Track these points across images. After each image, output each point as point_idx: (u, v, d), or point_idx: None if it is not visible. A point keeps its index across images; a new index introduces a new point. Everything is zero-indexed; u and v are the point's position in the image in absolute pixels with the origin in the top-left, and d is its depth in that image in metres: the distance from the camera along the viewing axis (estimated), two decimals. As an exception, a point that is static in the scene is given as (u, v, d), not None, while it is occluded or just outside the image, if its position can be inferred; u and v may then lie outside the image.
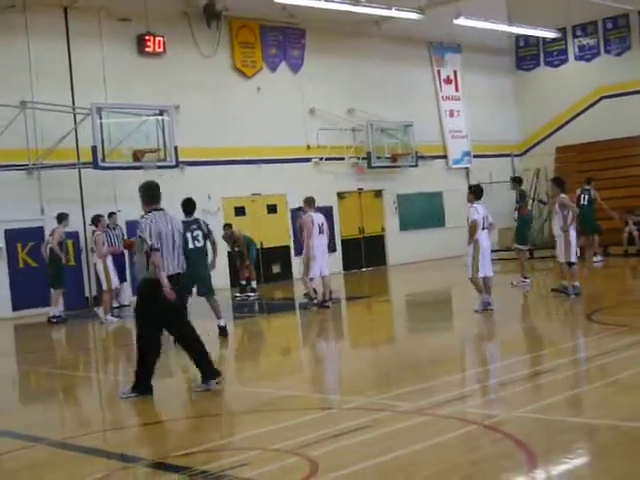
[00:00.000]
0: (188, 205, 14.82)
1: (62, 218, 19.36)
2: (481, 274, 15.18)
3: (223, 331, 14.73)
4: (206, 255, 14.72)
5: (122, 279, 21.29)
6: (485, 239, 15.21)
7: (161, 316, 9.99)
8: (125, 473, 7.26)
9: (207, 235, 14.54)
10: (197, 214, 23.53)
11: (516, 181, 21.18)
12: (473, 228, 15.02)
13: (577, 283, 16.29)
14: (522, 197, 20.73)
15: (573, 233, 16.35)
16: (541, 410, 8.08)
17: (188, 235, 14.15)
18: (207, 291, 14.74)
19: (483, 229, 15.11)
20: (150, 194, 10.40)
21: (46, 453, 8.11)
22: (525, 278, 19.25)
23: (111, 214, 21.49)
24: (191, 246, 14.22)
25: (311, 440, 7.44)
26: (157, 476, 6.88)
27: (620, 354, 10.67)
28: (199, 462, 7.10)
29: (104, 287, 18.93)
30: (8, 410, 10.73)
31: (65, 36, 22.55)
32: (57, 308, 19.38)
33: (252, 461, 7.09)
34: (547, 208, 21.34)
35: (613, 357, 10.55)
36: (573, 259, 16.31)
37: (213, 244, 14.82)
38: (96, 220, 19.41)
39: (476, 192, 15.52)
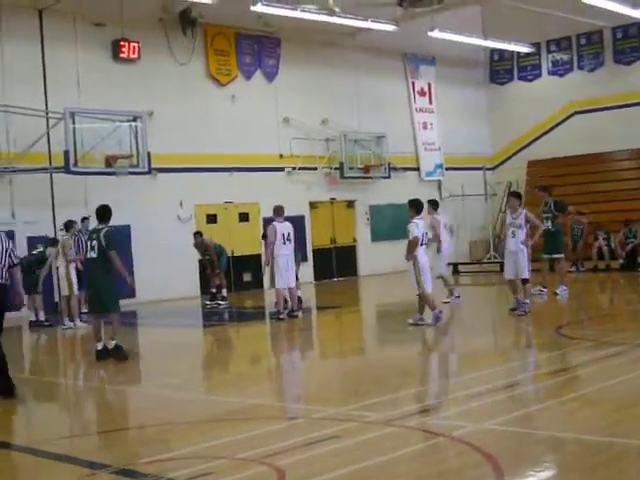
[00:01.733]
0: (98, 212, 13.80)
1: (69, 226, 19.53)
2: (429, 290, 15.11)
3: (115, 353, 13.45)
4: (104, 267, 13.40)
5: None
6: (423, 255, 15.13)
7: None
8: (90, 480, 7.23)
9: (104, 247, 13.31)
10: (170, 220, 24.02)
11: (546, 190, 20.66)
12: (414, 244, 14.90)
13: (528, 300, 16.17)
14: (559, 206, 19.96)
15: (528, 249, 16.27)
16: (508, 423, 8.12)
17: (88, 244, 13.74)
18: (99, 307, 13.68)
19: (421, 245, 15.01)
20: None
21: (10, 459, 8.05)
22: (565, 286, 19.09)
23: (84, 219, 21.40)
24: (88, 256, 13.75)
25: (278, 449, 7.43)
26: (123, 483, 6.85)
27: (586, 368, 10.74)
28: (165, 470, 7.06)
29: (65, 292, 18.73)
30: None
31: (39, 39, 22.47)
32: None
33: (218, 470, 7.06)
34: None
35: (580, 371, 10.64)
36: (528, 275, 16.28)
37: (109, 256, 13.33)
38: (69, 226, 19.33)
39: (417, 207, 15.35)
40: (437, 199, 15.44)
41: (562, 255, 19.59)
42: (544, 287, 19.10)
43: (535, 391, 9.82)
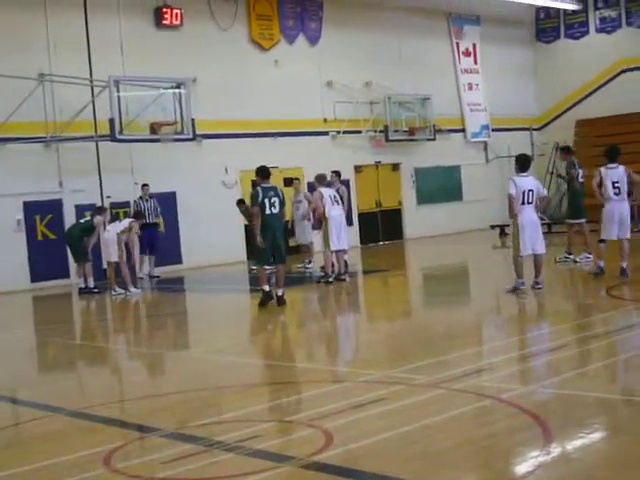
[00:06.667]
0: (263, 171, 15.09)
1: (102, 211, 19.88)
2: (526, 252, 14.02)
3: (281, 300, 14.96)
4: (282, 221, 15.22)
5: (154, 251, 21.62)
6: (528, 214, 13.94)
7: None
8: (141, 443, 7.30)
9: (283, 202, 14.93)
10: (215, 187, 24.09)
11: (566, 151, 19.62)
12: (509, 203, 13.95)
13: (601, 263, 15.25)
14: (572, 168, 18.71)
15: (609, 207, 15.03)
16: (557, 385, 8.07)
17: (266, 201, 14.64)
18: (279, 259, 15.14)
19: (524, 203, 13.87)
20: None
21: (63, 423, 8.16)
22: (589, 254, 17.75)
23: (144, 185, 21.64)
24: (267, 212, 14.64)
25: (326, 412, 7.45)
26: (173, 446, 6.90)
27: (637, 330, 10.63)
28: (214, 433, 7.12)
29: (114, 259, 18.81)
30: (26, 380, 10.82)
31: (83, 8, 22.46)
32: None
33: (266, 433, 7.11)
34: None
35: (630, 332, 10.51)
36: (603, 236, 15.11)
37: (284, 211, 15.28)
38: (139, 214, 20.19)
39: (520, 163, 14.30)
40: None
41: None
42: (589, 253, 17.87)
43: (584, 353, 9.72)
